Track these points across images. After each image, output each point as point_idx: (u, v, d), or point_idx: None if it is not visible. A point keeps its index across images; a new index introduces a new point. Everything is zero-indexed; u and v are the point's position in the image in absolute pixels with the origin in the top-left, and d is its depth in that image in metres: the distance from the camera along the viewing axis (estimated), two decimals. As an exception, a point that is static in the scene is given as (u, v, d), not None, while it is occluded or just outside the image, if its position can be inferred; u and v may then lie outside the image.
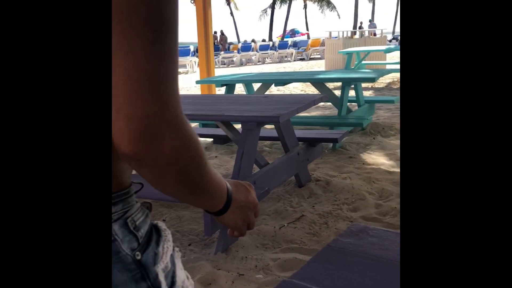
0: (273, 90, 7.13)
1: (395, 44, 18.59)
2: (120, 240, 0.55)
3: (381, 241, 1.50)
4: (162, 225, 0.63)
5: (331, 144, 3.92)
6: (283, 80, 4.92)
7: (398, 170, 3.20)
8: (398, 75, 9.01)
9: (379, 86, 8.37)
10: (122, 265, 0.55)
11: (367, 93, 7.18)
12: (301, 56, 19.50)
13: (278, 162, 2.74)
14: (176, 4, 0.48)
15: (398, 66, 9.32)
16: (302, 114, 3.58)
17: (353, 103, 4.94)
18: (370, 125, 4.71)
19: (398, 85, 8.30)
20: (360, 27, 25.26)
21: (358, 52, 8.86)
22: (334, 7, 38.26)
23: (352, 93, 4.96)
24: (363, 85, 6.56)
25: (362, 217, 2.58)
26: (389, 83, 8.63)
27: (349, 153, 3.84)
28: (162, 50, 0.47)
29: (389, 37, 23.12)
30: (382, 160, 3.65)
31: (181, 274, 0.65)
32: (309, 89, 7.86)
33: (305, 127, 4.51)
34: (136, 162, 0.50)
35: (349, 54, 8.41)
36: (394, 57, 10.68)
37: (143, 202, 0.63)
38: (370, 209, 2.66)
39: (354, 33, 15.59)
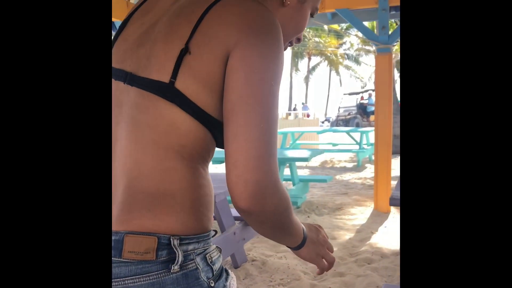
0: (210, 166, 7.16)
1: (327, 125, 19.70)
2: (201, 269, 0.70)
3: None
4: (230, 270, 0.80)
5: (267, 223, 3.92)
6: (220, 158, 4.98)
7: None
8: (331, 155, 9.46)
9: (313, 165, 8.69)
10: (199, 284, 0.69)
11: (301, 172, 7.41)
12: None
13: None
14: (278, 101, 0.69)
15: (330, 146, 9.79)
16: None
17: (288, 181, 5.07)
18: (305, 203, 4.82)
19: (331, 164, 8.68)
20: (294, 109, 26.65)
21: (292, 133, 9.26)
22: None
23: (287, 171, 5.11)
24: (297, 164, 6.78)
25: (297, 298, 2.54)
26: (323, 163, 9.00)
27: (285, 232, 3.85)
28: (271, 137, 0.66)
29: (321, 118, 24.58)
30: (317, 238, 3.68)
31: None
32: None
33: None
34: (247, 214, 0.66)
35: (285, 134, 8.77)
36: (326, 138, 11.27)
37: (216, 246, 0.78)
38: (306, 290, 2.65)
39: (289, 114, 16.38)
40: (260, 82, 0.65)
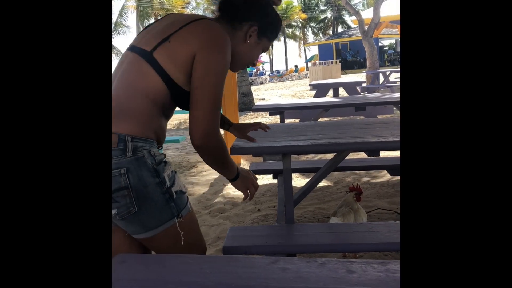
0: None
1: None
2: (146, 157, 1.17)
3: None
4: (168, 161, 1.26)
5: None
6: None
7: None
8: (185, 115, 9.51)
9: (168, 127, 8.63)
10: (146, 168, 1.16)
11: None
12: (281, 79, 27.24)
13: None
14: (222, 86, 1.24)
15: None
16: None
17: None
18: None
19: (185, 126, 8.75)
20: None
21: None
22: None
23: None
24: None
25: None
26: (177, 124, 9.01)
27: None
28: (216, 105, 1.19)
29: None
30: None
31: (180, 182, 1.27)
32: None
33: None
34: (200, 148, 1.21)
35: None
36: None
37: (163, 153, 1.26)
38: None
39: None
40: (211, 74, 1.20)
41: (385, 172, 3.79)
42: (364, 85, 10.24)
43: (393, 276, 0.68)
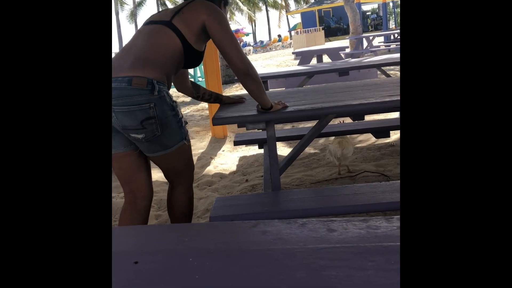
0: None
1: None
2: (166, 97, 1.62)
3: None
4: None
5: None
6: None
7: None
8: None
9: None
10: (166, 104, 1.62)
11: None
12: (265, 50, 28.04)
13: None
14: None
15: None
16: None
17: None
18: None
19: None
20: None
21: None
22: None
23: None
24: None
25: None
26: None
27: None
28: (240, 48, 1.72)
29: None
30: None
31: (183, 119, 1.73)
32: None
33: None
34: (246, 74, 1.70)
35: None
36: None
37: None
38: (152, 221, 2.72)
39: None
40: (224, 28, 1.70)
41: (370, 135, 3.80)
42: (347, 50, 10.17)
43: (374, 232, 0.67)
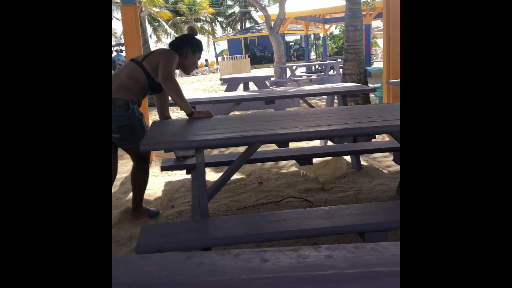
0: None
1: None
2: (136, 112, 2.67)
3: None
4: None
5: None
6: None
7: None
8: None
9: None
10: (136, 117, 2.66)
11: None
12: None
13: None
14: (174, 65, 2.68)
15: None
16: None
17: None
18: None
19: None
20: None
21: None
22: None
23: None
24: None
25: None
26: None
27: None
28: (169, 67, 2.59)
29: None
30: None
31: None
32: None
33: None
34: (169, 84, 2.50)
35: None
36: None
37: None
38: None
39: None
40: (165, 59, 2.60)
41: (295, 162, 3.93)
42: (272, 79, 10.51)
43: (304, 261, 0.71)
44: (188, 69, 2.81)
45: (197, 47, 2.78)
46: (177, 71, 2.85)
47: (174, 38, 2.85)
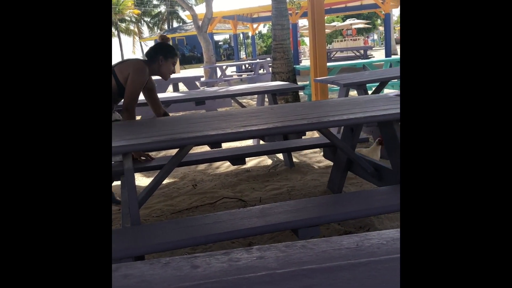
0: None
1: None
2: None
3: None
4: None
5: None
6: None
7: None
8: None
9: None
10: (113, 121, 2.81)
11: None
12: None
13: None
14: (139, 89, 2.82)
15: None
16: None
17: None
18: None
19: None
20: None
21: None
22: None
23: None
24: None
25: None
26: None
27: None
28: (134, 96, 2.74)
29: None
30: None
31: None
32: None
33: None
34: (127, 112, 2.72)
35: None
36: None
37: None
38: None
39: None
40: (131, 82, 2.71)
41: (228, 162, 3.93)
42: (202, 79, 10.43)
43: (235, 264, 0.70)
44: (165, 75, 2.89)
45: (169, 53, 2.85)
46: (158, 77, 2.97)
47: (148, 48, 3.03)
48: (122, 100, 2.80)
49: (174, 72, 2.90)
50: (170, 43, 2.96)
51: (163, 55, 2.84)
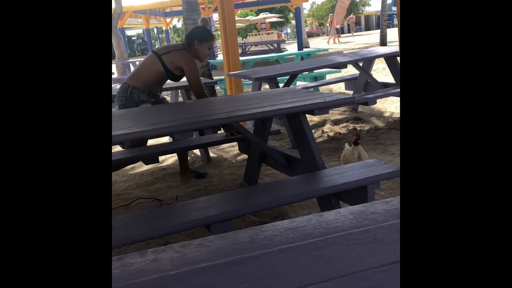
0: None
1: None
2: (134, 97, 3.00)
3: None
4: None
5: None
6: None
7: None
8: None
9: None
10: (133, 101, 3.00)
11: None
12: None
13: None
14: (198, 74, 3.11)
15: None
16: None
17: None
18: None
19: None
20: None
21: None
22: None
23: None
24: None
25: None
26: None
27: None
28: (198, 81, 3.03)
29: None
30: None
31: None
32: None
33: None
34: (199, 92, 3.04)
35: None
36: None
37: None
38: None
39: None
40: (192, 74, 2.99)
41: (141, 163, 3.82)
42: (114, 76, 10.03)
43: (127, 270, 0.68)
44: (201, 58, 3.06)
45: (203, 37, 3.00)
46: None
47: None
48: (168, 80, 3.08)
49: (209, 55, 3.09)
50: (205, 28, 3.07)
51: (198, 39, 2.99)
